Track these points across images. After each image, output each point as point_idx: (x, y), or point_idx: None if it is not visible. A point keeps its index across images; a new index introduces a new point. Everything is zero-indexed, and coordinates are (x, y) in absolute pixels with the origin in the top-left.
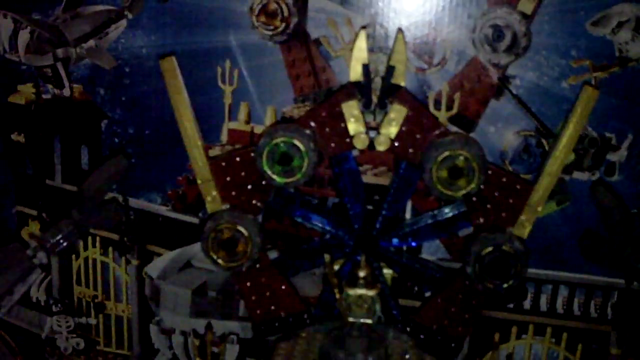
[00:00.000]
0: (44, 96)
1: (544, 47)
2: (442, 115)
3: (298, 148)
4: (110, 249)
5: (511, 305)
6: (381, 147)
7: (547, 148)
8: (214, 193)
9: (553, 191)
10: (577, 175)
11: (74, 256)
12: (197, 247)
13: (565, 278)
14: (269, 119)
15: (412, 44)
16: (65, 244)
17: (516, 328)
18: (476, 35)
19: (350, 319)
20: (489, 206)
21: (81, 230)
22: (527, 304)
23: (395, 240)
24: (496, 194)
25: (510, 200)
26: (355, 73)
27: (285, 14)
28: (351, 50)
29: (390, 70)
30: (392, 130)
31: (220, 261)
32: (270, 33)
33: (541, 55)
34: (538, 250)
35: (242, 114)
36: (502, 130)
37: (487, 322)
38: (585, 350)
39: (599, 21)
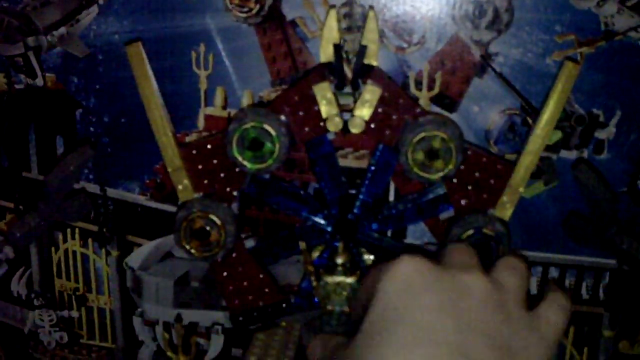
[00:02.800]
0: (16, 86)
1: (527, 23)
2: (424, 96)
3: (269, 133)
4: (90, 240)
5: None
6: (355, 129)
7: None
8: (185, 181)
9: (541, 171)
10: (564, 154)
11: (53, 249)
12: None
13: (556, 259)
14: (245, 103)
15: (390, 23)
16: (32, 237)
17: None
18: (456, 11)
19: (329, 307)
20: (469, 187)
21: (49, 222)
22: None
23: (374, 225)
24: (476, 174)
25: (491, 181)
26: (326, 54)
27: None
28: None
29: (362, 49)
30: (365, 111)
31: (193, 251)
32: (244, 15)
33: (524, 31)
34: (527, 231)
35: (219, 99)
36: (486, 110)
37: None
38: (577, 332)
39: None
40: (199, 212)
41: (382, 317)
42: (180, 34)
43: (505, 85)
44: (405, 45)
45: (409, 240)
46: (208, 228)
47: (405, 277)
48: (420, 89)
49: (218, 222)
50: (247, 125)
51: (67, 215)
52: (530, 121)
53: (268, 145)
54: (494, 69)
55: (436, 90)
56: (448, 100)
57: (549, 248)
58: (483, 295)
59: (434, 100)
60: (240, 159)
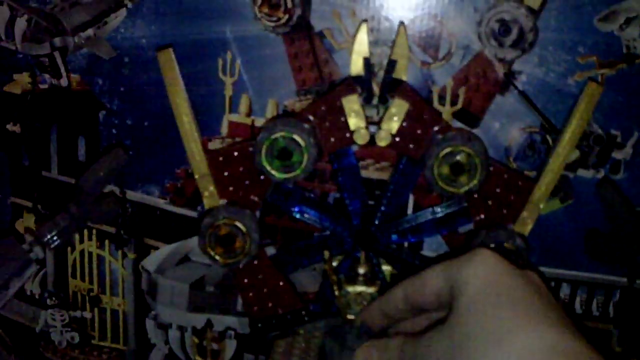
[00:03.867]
0: (40, 86)
1: (551, 43)
2: (446, 111)
3: (298, 143)
4: (107, 242)
5: None
6: (382, 142)
7: (552, 144)
8: (211, 188)
9: (557, 188)
10: (581, 172)
11: (69, 249)
12: (195, 241)
13: (567, 276)
14: (270, 112)
15: (417, 38)
16: (62, 239)
17: None
18: (482, 29)
19: (349, 316)
20: (490, 202)
21: (79, 224)
22: None
23: (394, 237)
24: (497, 190)
25: (512, 197)
26: (356, 67)
27: (289, 5)
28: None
29: (391, 64)
30: (393, 125)
31: (217, 258)
32: (273, 24)
33: (548, 51)
34: (540, 248)
35: (243, 107)
36: (507, 126)
37: None
38: None
39: (606, 17)
40: (225, 219)
41: (481, 299)
42: (208, 41)
43: (526, 104)
44: (430, 60)
45: (425, 252)
46: (233, 234)
47: (494, 265)
48: (443, 104)
49: (243, 229)
50: (277, 135)
51: (96, 218)
52: (549, 139)
53: (297, 155)
54: (516, 87)
55: (459, 105)
56: (470, 115)
57: (561, 264)
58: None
59: (456, 115)
60: (268, 168)
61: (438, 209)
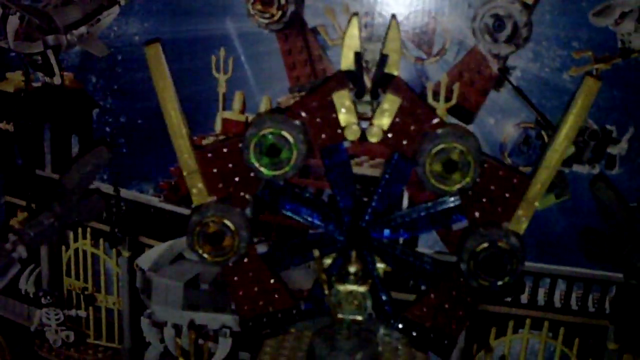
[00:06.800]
0: (33, 84)
1: (545, 38)
2: (441, 106)
3: (287, 140)
4: (101, 240)
5: (508, 299)
6: (373, 138)
7: (547, 140)
8: (200, 185)
9: (553, 184)
10: (576, 168)
11: (64, 247)
12: None
13: (564, 272)
14: (263, 109)
15: (411, 33)
16: (46, 238)
17: (513, 322)
18: (476, 24)
19: (340, 316)
20: (484, 200)
21: (63, 223)
22: (524, 298)
23: (386, 232)
24: (492, 187)
25: (507, 195)
26: (347, 61)
27: (282, 1)
28: None
29: (383, 58)
30: (384, 121)
31: (206, 256)
32: (266, 21)
33: (542, 46)
34: (536, 244)
35: (237, 104)
36: (502, 122)
37: (484, 316)
38: (582, 344)
39: (601, 12)
40: (213, 217)
41: None
42: (201, 38)
43: (521, 99)
44: (424, 56)
45: (420, 248)
46: (222, 232)
47: None
48: (437, 100)
49: (232, 227)
50: (265, 132)
51: (81, 216)
52: (544, 135)
53: (286, 152)
54: (511, 83)
55: (453, 101)
56: (465, 111)
57: (558, 260)
58: None
59: (450, 111)
60: (257, 165)
61: (432, 205)
